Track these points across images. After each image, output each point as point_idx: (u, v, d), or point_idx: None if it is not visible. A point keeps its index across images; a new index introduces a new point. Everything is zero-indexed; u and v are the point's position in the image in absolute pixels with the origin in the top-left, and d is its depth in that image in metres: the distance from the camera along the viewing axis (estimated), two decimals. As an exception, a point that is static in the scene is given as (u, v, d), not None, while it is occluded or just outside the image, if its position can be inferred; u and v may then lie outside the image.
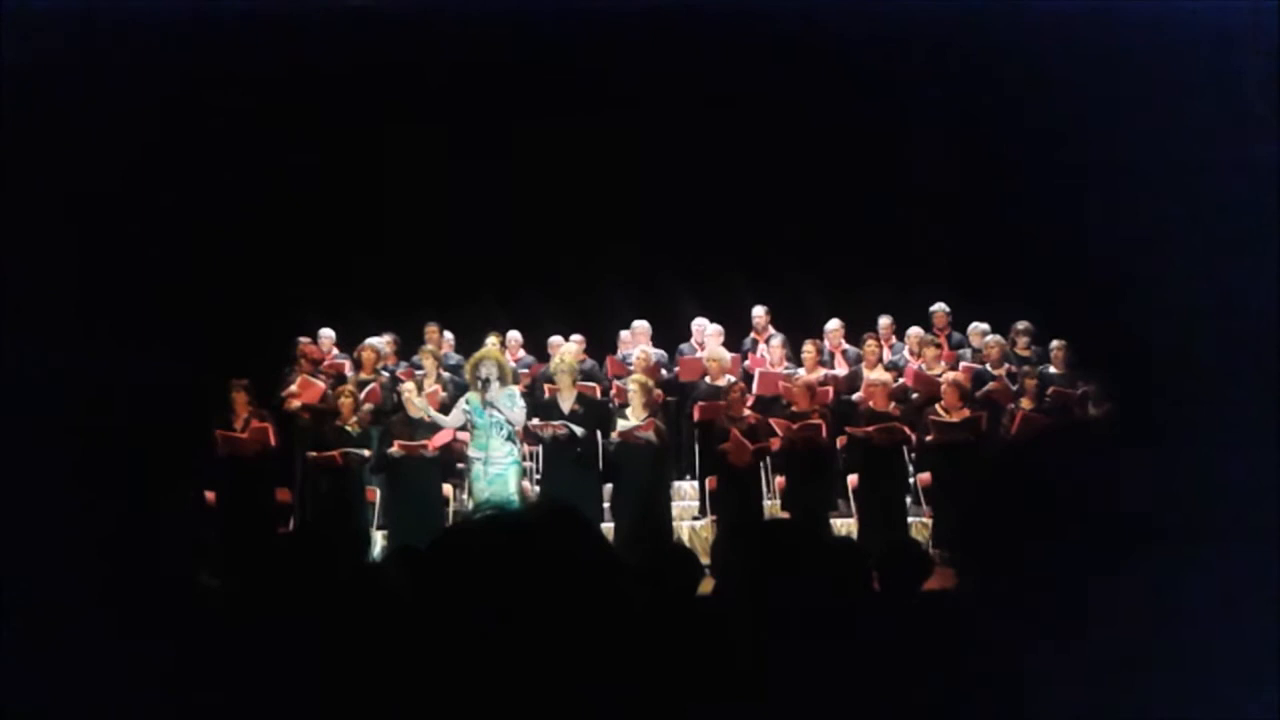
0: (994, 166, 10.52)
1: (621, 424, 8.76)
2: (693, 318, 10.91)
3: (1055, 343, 10.08)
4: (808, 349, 9.98)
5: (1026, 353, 10.31)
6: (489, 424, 8.37)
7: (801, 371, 9.79)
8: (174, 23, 9.20)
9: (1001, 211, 10.56)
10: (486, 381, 8.39)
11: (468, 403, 8.50)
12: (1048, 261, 9.99)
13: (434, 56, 10.56)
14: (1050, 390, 9.55)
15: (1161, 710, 0.99)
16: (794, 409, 9.09)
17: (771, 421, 8.95)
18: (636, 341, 10.52)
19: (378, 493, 9.15)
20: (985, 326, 10.53)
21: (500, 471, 8.34)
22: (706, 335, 10.55)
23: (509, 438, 8.44)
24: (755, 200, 11.52)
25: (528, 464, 9.06)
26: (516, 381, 9.19)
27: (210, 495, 8.77)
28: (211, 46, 9.46)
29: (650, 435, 8.74)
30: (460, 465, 9.24)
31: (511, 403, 8.49)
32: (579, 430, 8.71)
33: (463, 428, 8.76)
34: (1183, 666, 0.99)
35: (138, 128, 9.29)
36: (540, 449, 9.04)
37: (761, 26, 10.21)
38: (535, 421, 8.73)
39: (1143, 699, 0.99)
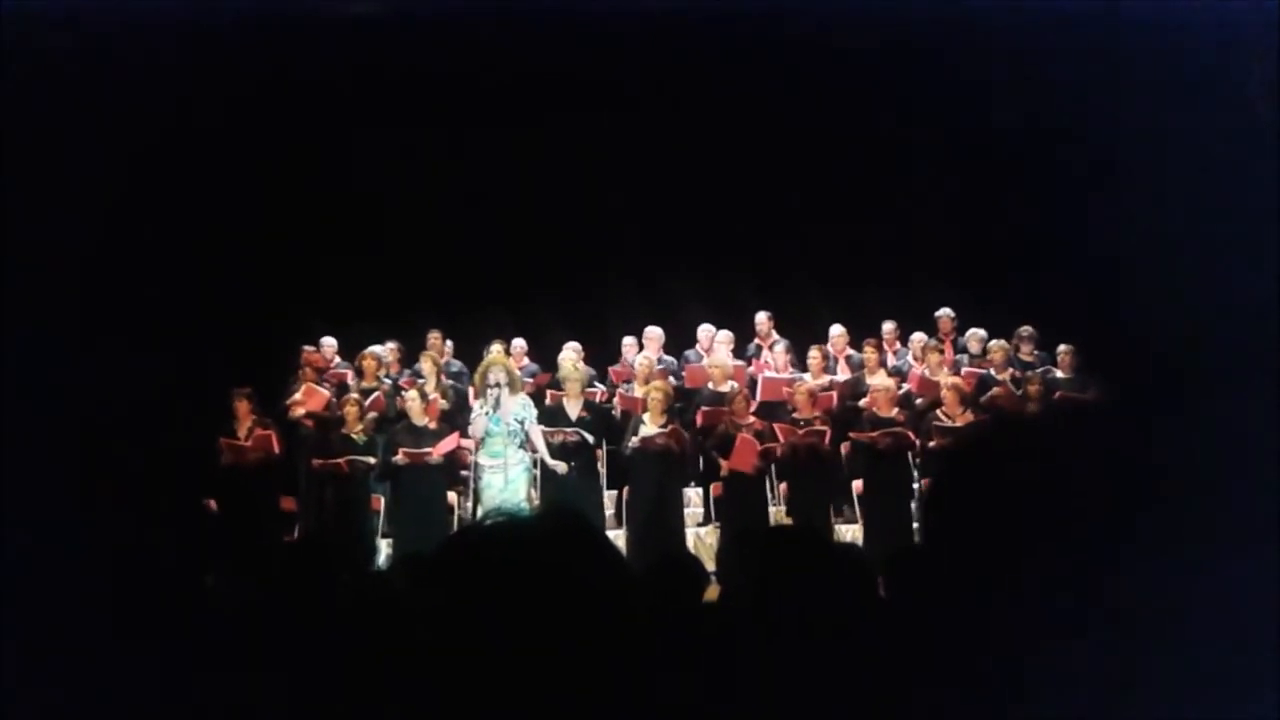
0: (996, 169, 10.52)
1: (643, 430, 8.78)
2: (696, 324, 10.90)
3: (1062, 347, 10.06)
4: (813, 355, 9.97)
5: (1030, 358, 10.30)
6: (504, 431, 8.39)
7: (806, 377, 9.78)
8: (175, 26, 9.17)
9: (1004, 215, 10.55)
10: (497, 388, 8.41)
11: (481, 408, 8.52)
12: (1051, 265, 9.99)
13: (439, 63, 10.54)
14: (1057, 394, 9.54)
15: (1165, 711, 0.99)
16: (797, 415, 9.09)
17: (775, 427, 8.96)
18: (646, 348, 10.51)
19: (383, 501, 9.15)
20: (983, 333, 10.52)
21: (514, 478, 8.37)
22: (716, 342, 10.54)
23: (521, 445, 8.47)
24: (758, 205, 11.52)
25: (535, 471, 9.07)
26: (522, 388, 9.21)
27: (214, 504, 8.77)
28: (214, 51, 9.44)
29: (672, 443, 8.77)
30: (464, 472, 9.24)
31: (526, 410, 8.52)
32: (590, 437, 8.76)
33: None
34: (1185, 668, 0.99)
35: (139, 132, 9.27)
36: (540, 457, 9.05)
37: (766, 30, 10.21)
38: (545, 428, 8.74)
39: (1147, 700, 0.99)
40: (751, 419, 9.07)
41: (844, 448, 9.36)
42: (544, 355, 10.83)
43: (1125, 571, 0.99)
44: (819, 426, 8.92)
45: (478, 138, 11.16)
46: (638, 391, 9.41)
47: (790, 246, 11.60)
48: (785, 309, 11.03)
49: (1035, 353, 10.37)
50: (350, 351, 10.46)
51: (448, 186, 11.34)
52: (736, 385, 9.50)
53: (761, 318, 10.87)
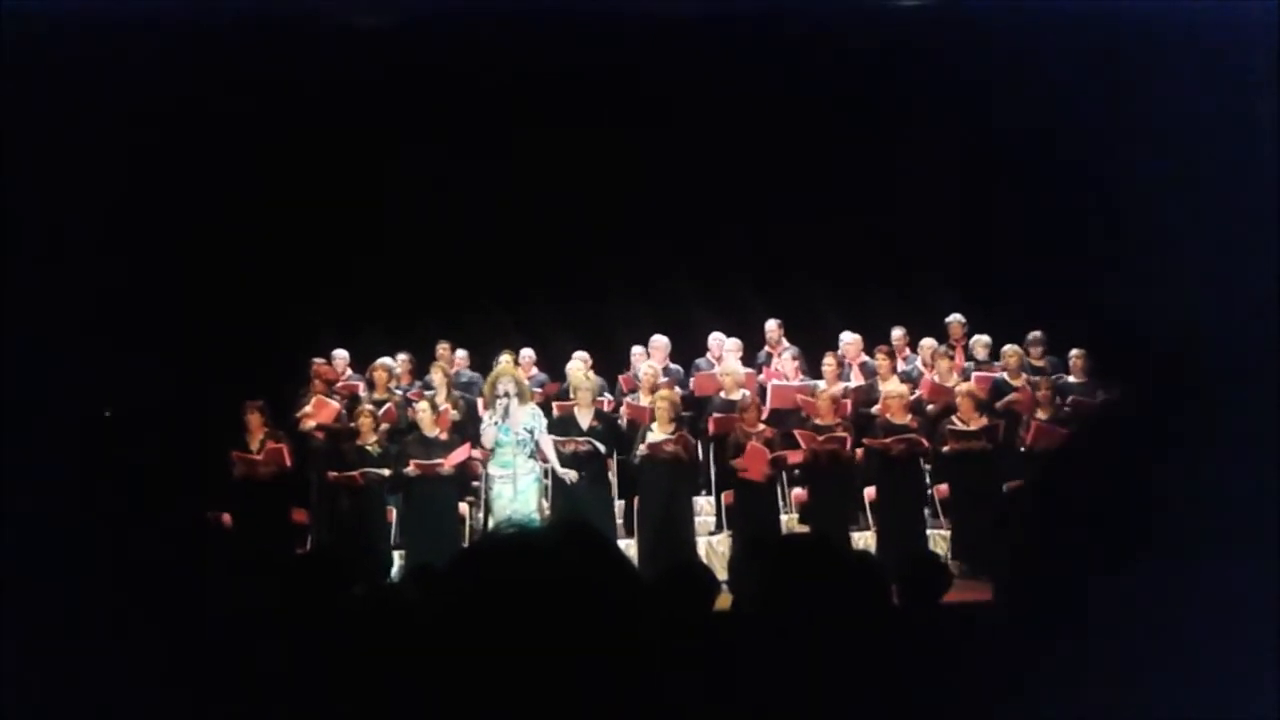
0: (999, 172, 10.51)
1: (651, 437, 8.78)
2: (706, 332, 10.89)
3: (1074, 351, 10.03)
4: (828, 361, 9.96)
5: (1041, 363, 10.27)
6: (513, 441, 8.39)
7: (821, 384, 9.76)
8: (176, 27, 9.14)
9: (1012, 218, 10.53)
10: (506, 398, 8.41)
11: (491, 418, 8.53)
12: (1060, 269, 9.96)
13: (449, 72, 10.55)
14: (1070, 399, 9.51)
15: (1165, 711, 0.99)
16: (818, 421, 9.06)
17: (797, 434, 8.94)
18: (654, 357, 10.51)
19: (394, 512, 9.15)
20: (988, 339, 10.50)
21: (524, 488, 8.37)
22: (725, 350, 10.53)
23: (531, 454, 8.47)
24: (767, 213, 11.52)
25: (546, 481, 9.07)
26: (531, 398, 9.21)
27: (226, 517, 8.78)
28: (217, 54, 9.41)
29: (680, 449, 8.76)
30: (475, 483, 9.24)
31: (536, 420, 8.53)
32: (601, 446, 8.75)
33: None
34: (1190, 669, 0.98)
35: (142, 136, 9.25)
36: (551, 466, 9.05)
37: (774, 36, 10.20)
38: (556, 438, 8.74)
39: (1148, 700, 0.99)
40: (762, 427, 9.06)
41: (857, 454, 9.34)
42: (552, 364, 10.83)
43: (1124, 572, 0.99)
44: (840, 433, 8.91)
45: (488, 147, 11.15)
46: (644, 400, 9.41)
47: (798, 253, 11.59)
48: (794, 316, 11.02)
49: (1046, 357, 10.34)
50: (361, 363, 10.47)
51: (454, 196, 11.35)
52: (748, 393, 9.48)
53: (771, 325, 10.85)
